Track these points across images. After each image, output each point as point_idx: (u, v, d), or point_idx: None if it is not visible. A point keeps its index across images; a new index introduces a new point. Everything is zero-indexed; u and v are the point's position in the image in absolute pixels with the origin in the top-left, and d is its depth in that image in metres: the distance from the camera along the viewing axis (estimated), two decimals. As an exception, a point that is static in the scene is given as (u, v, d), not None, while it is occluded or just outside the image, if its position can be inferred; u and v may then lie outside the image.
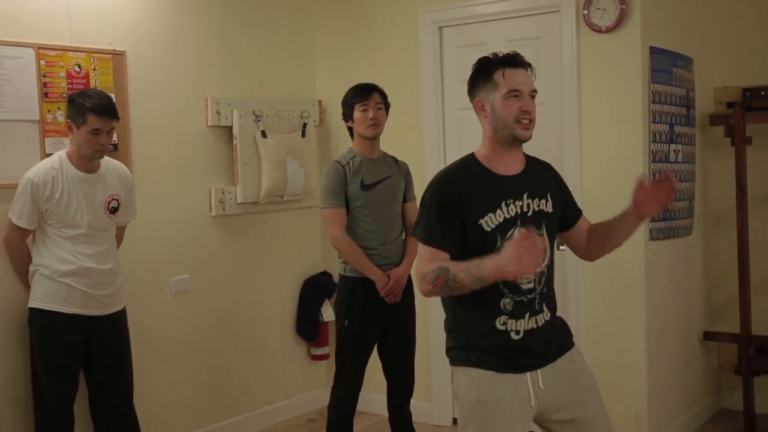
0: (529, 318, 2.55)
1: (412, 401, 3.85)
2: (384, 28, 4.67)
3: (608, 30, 3.91)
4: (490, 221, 2.49)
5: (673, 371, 4.32)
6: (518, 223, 2.50)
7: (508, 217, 2.51)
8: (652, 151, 3.96)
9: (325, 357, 4.90)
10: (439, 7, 4.40)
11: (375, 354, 3.77)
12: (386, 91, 3.74)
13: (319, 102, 4.89)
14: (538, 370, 2.55)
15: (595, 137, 4.03)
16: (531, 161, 2.66)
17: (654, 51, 3.95)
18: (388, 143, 3.81)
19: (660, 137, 4.03)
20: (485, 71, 2.50)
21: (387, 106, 3.72)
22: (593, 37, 3.97)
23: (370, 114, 3.61)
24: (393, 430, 3.83)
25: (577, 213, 2.76)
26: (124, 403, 3.56)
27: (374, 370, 3.80)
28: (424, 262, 2.52)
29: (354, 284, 3.62)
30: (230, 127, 4.36)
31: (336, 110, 4.61)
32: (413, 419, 3.92)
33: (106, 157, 3.45)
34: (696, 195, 4.47)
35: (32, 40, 3.54)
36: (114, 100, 3.42)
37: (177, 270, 4.19)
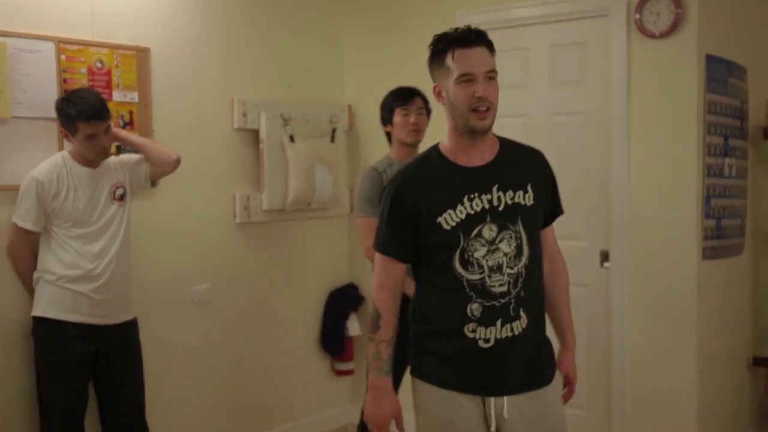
0: (502, 325, 2.35)
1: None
2: (418, 31, 4.43)
3: (662, 35, 3.72)
4: (450, 219, 2.32)
5: (723, 397, 4.14)
6: (487, 218, 2.32)
7: (472, 212, 2.33)
8: (707, 165, 3.77)
9: (350, 372, 4.75)
10: (477, 9, 4.25)
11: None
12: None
13: (349, 107, 4.75)
14: (505, 398, 2.38)
15: (645, 150, 3.86)
16: (507, 149, 2.45)
17: (710, 59, 3.76)
18: (426, 151, 3.64)
19: (715, 150, 3.83)
20: (438, 53, 2.31)
21: (428, 112, 3.57)
22: (645, 43, 3.79)
23: (412, 119, 3.48)
24: None
25: (550, 214, 2.55)
26: (135, 418, 3.40)
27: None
28: (379, 271, 2.43)
29: None
30: (257, 131, 4.20)
31: (366, 115, 4.58)
32: None
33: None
34: (747, 213, 4.28)
35: (52, 33, 3.37)
36: (101, 98, 3.22)
37: (198, 279, 4.03)
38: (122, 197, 3.33)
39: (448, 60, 2.25)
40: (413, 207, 2.32)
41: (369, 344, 2.44)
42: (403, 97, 3.53)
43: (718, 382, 4.09)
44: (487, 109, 2.24)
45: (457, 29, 2.28)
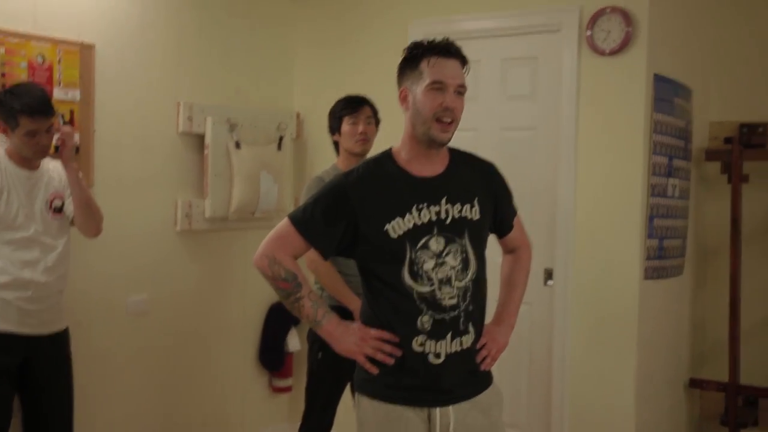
0: (452, 339, 2.38)
1: None
2: (370, 41, 4.58)
3: (612, 53, 3.80)
4: (397, 227, 2.32)
5: (660, 418, 4.24)
6: (434, 231, 2.34)
7: (419, 223, 2.34)
8: (651, 184, 3.86)
9: (288, 389, 4.68)
10: (430, 20, 4.29)
11: (347, 391, 3.55)
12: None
13: (297, 115, 4.73)
14: (450, 407, 2.40)
15: (591, 167, 3.94)
16: (459, 160, 2.48)
17: (658, 78, 3.86)
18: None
19: (659, 170, 3.92)
20: (414, 58, 2.33)
21: (377, 121, 3.57)
22: (595, 60, 3.87)
23: (360, 128, 3.46)
24: None
25: (506, 227, 2.61)
26: None
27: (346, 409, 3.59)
28: (282, 244, 2.37)
29: None
30: (202, 136, 4.11)
31: (315, 124, 4.56)
32: None
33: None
34: (688, 234, 4.40)
35: (-9, 23, 3.24)
36: (47, 93, 3.09)
37: (134, 289, 3.91)
38: (60, 209, 3.16)
39: (423, 65, 2.28)
40: (352, 209, 2.33)
41: (299, 304, 2.41)
42: (351, 106, 3.52)
43: (656, 403, 4.17)
44: (451, 122, 2.27)
45: (434, 40, 2.32)
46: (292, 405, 4.68)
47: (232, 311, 4.45)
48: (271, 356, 4.61)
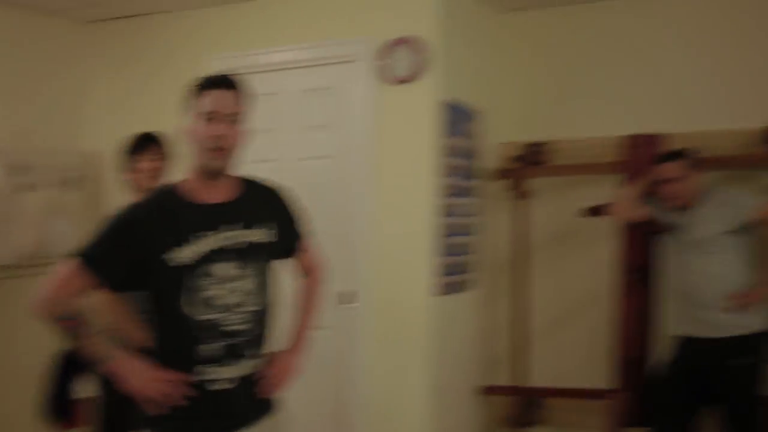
0: (239, 364, 2.48)
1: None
2: (168, 76, 4.65)
3: (404, 81, 4.06)
4: (176, 256, 2.39)
5: (455, 424, 4.54)
6: (221, 256, 2.43)
7: (201, 251, 2.42)
8: (442, 205, 4.15)
9: None
10: (229, 53, 4.41)
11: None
12: (170, 142, 3.72)
13: (91, 154, 4.70)
14: None
15: (386, 191, 4.19)
16: (249, 188, 2.59)
17: (449, 104, 4.17)
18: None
19: (449, 192, 4.23)
20: (192, 94, 2.48)
21: (167, 157, 3.72)
22: (389, 89, 4.13)
23: (146, 165, 3.61)
24: None
25: (295, 250, 2.74)
26: None
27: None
28: (65, 282, 2.34)
29: None
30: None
31: (109, 163, 4.48)
32: None
33: None
34: (477, 250, 4.75)
35: None
36: None
37: None
38: None
39: (201, 98, 2.38)
40: (136, 239, 2.35)
41: (87, 342, 2.38)
42: (139, 144, 3.66)
43: (451, 411, 4.48)
44: (221, 149, 2.37)
45: (212, 74, 2.45)
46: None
47: (17, 361, 4.28)
48: (60, 405, 4.33)
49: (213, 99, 2.39)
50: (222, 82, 2.42)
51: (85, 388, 4.29)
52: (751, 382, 4.02)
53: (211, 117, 2.36)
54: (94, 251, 2.35)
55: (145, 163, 3.59)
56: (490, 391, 4.88)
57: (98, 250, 2.35)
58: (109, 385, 3.21)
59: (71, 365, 4.35)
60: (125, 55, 4.80)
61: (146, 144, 3.64)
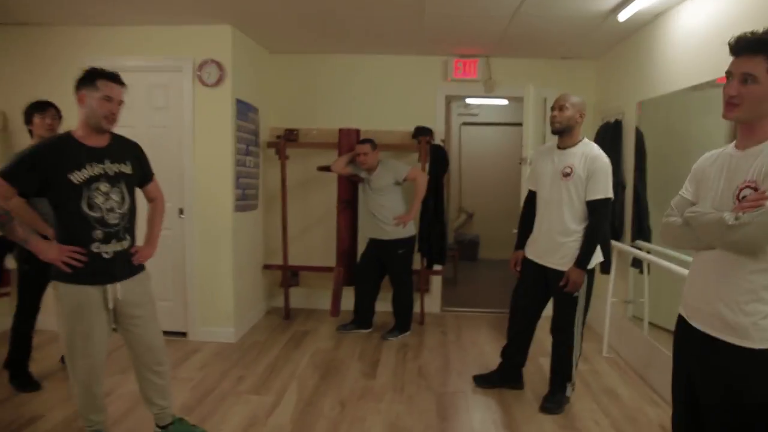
0: (116, 243, 2.95)
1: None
2: (56, 70, 5.49)
3: (213, 85, 5.34)
4: (77, 176, 2.81)
5: (248, 286, 6.06)
6: (102, 179, 2.87)
7: (92, 174, 2.86)
8: (237, 160, 5.70)
9: (6, 294, 5.52)
10: (101, 57, 5.28)
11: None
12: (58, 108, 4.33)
13: (3, 113, 5.53)
14: (117, 284, 2.98)
15: (204, 150, 5.46)
16: (117, 140, 3.04)
17: (238, 102, 5.63)
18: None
19: (241, 152, 5.78)
20: (92, 77, 2.92)
21: (61, 117, 4.34)
22: (204, 90, 5.39)
23: (48, 121, 4.22)
24: None
25: (145, 181, 3.20)
26: None
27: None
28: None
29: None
30: None
31: (17, 119, 5.03)
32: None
33: None
34: (259, 186, 6.30)
35: None
36: None
37: None
38: None
39: (99, 83, 2.91)
40: (47, 164, 2.77)
41: (12, 228, 2.81)
42: (41, 105, 4.28)
43: (246, 279, 6.00)
44: (112, 118, 2.94)
45: (105, 69, 2.98)
46: (11, 304, 4.74)
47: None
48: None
49: (111, 88, 2.89)
50: (115, 78, 2.93)
51: (10, 261, 4.72)
52: (407, 262, 5.71)
53: (109, 99, 2.88)
54: (13, 170, 2.79)
55: (47, 119, 4.17)
56: (269, 267, 6.48)
57: (16, 170, 2.78)
58: (30, 257, 3.41)
59: (2, 246, 4.98)
60: (31, 50, 5.46)
61: (46, 106, 4.25)
